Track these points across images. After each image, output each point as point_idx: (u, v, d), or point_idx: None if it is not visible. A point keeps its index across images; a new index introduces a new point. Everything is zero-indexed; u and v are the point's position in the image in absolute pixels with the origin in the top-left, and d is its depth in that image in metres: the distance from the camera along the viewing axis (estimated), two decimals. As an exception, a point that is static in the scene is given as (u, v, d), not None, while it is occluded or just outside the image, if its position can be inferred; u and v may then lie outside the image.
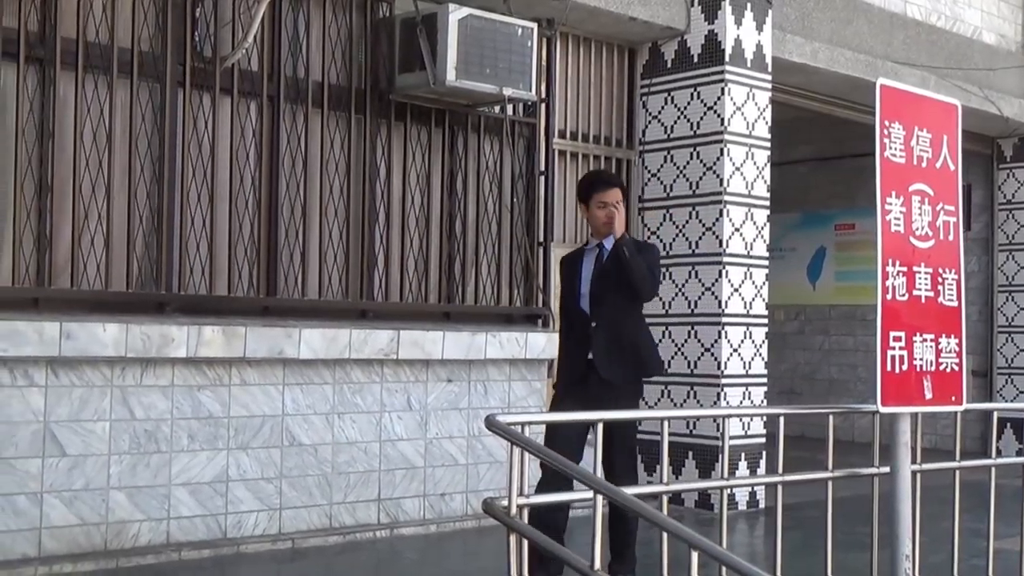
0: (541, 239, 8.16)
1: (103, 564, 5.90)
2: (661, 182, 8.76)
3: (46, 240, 6.00)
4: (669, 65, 8.75)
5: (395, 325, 7.18)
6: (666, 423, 4.59)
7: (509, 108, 7.89)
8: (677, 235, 8.64)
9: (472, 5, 7.15)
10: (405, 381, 7.31)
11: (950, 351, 5.18)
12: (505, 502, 3.68)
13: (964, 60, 11.27)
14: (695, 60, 8.59)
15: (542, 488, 5.35)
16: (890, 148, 4.98)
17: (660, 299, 8.69)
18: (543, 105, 8.13)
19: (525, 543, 3.67)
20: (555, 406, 5.99)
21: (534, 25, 7.44)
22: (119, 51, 6.23)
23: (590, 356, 5.69)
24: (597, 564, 3.59)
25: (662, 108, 8.80)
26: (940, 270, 5.17)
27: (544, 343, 7.85)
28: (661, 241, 8.72)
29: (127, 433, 6.15)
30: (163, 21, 6.44)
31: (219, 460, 6.50)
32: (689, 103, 8.62)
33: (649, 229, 8.82)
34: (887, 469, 5.13)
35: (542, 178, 8.19)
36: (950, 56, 11.09)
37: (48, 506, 5.87)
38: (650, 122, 8.88)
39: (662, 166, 8.77)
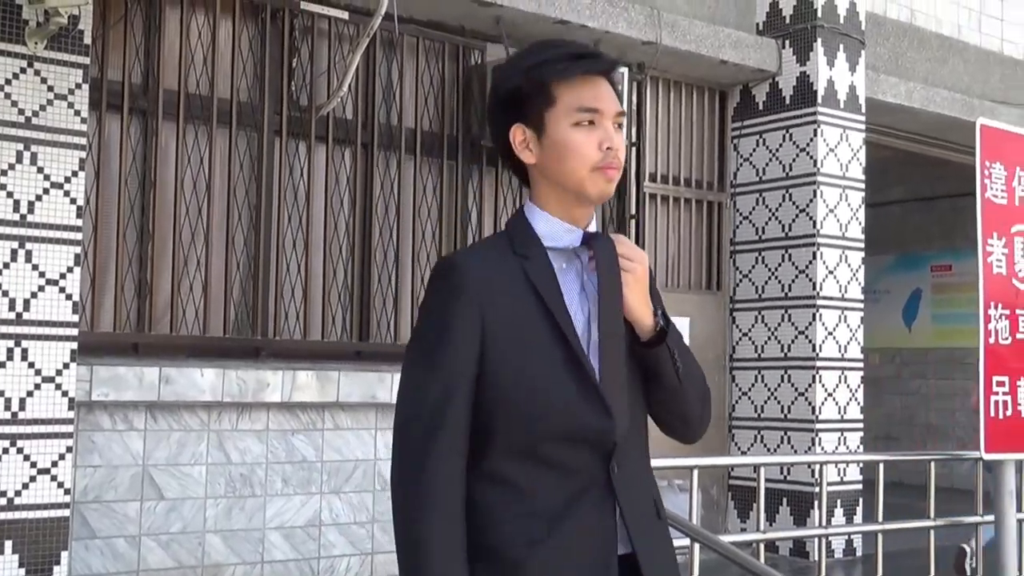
0: (632, 282, 8.04)
1: (199, 607, 5.90)
2: (753, 225, 8.61)
3: (147, 287, 6.07)
4: (760, 107, 8.63)
5: (486, 369, 7.10)
6: (762, 469, 4.46)
7: (600, 152, 7.81)
8: (770, 278, 8.47)
9: (563, 51, 7.11)
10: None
11: None
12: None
13: (1064, 98, 10.97)
14: (787, 102, 8.46)
15: None
16: (991, 189, 4.86)
17: (752, 341, 8.51)
18: (633, 148, 8.07)
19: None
20: None
21: (624, 69, 7.38)
22: (219, 101, 6.32)
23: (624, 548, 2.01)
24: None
25: (754, 150, 8.66)
26: None
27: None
28: (753, 284, 8.54)
29: (223, 477, 6.14)
30: (261, 72, 6.52)
31: (312, 504, 6.46)
32: (781, 145, 8.48)
33: (741, 272, 8.66)
34: (991, 518, 4.98)
35: (632, 221, 8.11)
36: (1049, 94, 10.80)
37: (146, 549, 5.87)
38: (741, 164, 8.75)
39: (754, 208, 8.62)
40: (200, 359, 6.08)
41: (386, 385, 6.60)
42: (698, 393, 2.13)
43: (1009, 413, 4.87)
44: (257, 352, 6.35)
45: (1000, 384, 4.85)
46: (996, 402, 4.83)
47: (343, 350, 6.75)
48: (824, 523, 5.24)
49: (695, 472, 4.25)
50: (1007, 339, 4.91)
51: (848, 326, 8.40)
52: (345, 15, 6.74)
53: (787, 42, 8.47)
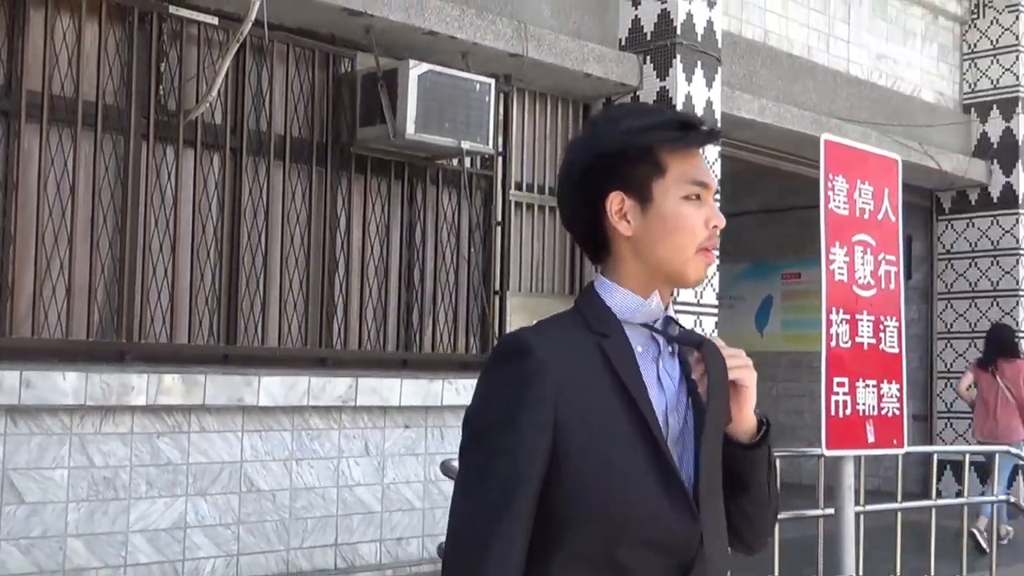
0: (497, 288, 8.17)
1: (59, 612, 5.79)
2: (614, 233, 8.79)
3: (7, 289, 5.93)
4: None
5: (353, 372, 7.13)
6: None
7: (467, 161, 7.91)
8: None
9: (431, 61, 7.19)
10: (363, 427, 7.26)
11: (892, 396, 5.24)
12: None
13: (904, 116, 11.48)
14: (652, 116, 8.65)
15: None
16: (834, 200, 5.05)
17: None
18: (500, 158, 8.17)
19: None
20: None
21: (492, 81, 7.49)
22: (84, 104, 6.21)
23: None
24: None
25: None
26: (882, 318, 5.23)
27: (500, 390, 7.83)
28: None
29: (85, 480, 6.04)
30: (128, 75, 6.43)
31: (177, 506, 6.40)
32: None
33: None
34: (832, 511, 5.17)
35: (498, 228, 8.22)
36: (891, 113, 11.29)
37: (5, 553, 5.73)
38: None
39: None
40: (63, 363, 5.96)
41: (253, 388, 6.59)
42: (776, 509, 1.93)
43: (848, 412, 5.05)
44: (122, 355, 6.26)
45: (840, 385, 5.03)
46: (836, 402, 5.00)
47: (210, 353, 6.70)
48: None
49: None
50: (847, 343, 5.09)
51: (703, 330, 8.63)
52: (215, 20, 6.67)
53: (648, 58, 8.67)
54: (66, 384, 5.84)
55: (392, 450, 7.40)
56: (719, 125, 8.79)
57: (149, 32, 6.50)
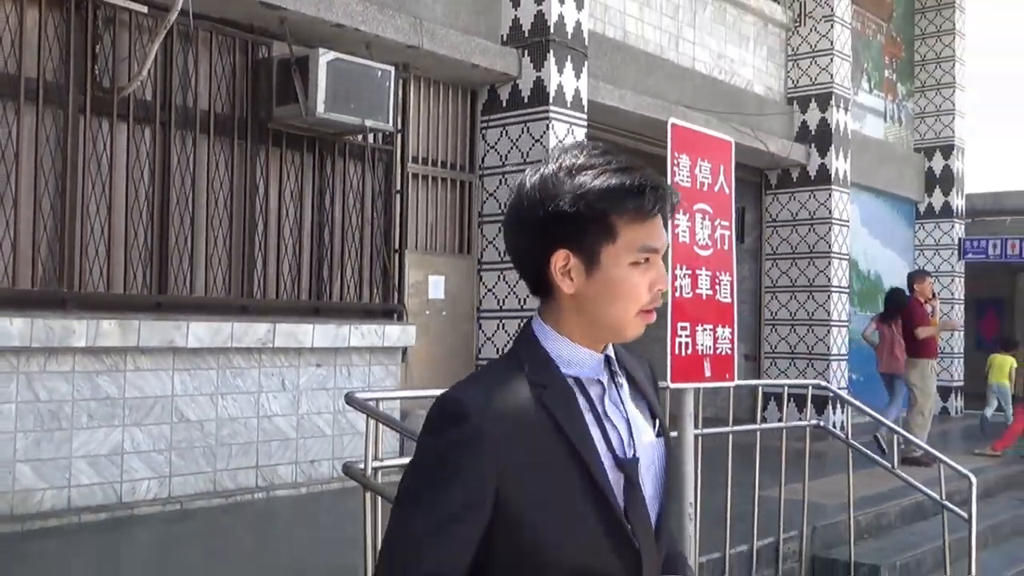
0: (396, 247, 8.15)
1: (11, 528, 5.63)
2: (497, 200, 8.83)
3: (-42, 244, 5.71)
4: (504, 105, 8.82)
5: (272, 319, 7.06)
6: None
7: (370, 137, 7.85)
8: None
9: (339, 50, 7.10)
10: (280, 366, 7.20)
11: (725, 338, 5.33)
12: (362, 465, 3.68)
13: (739, 106, 11.69)
14: (525, 101, 8.68)
15: None
16: (679, 175, 5.10)
17: (495, 295, 8.78)
18: (399, 135, 8.12)
19: (379, 499, 3.67)
20: None
21: (392, 68, 7.42)
22: (26, 80, 5.97)
23: None
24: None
25: (498, 140, 8.87)
26: (717, 273, 5.30)
27: (398, 334, 7.84)
28: (497, 249, 8.78)
29: (32, 413, 5.88)
30: (66, 55, 6.19)
31: (115, 435, 6.29)
32: (520, 136, 8.71)
33: (487, 239, 8.89)
34: (676, 433, 5.29)
35: (398, 196, 8.18)
36: (728, 103, 11.49)
37: (-42, 478, 5.58)
38: (488, 151, 8.94)
39: (498, 187, 8.83)
40: (10, 309, 5.77)
41: (182, 332, 6.48)
42: None
43: (689, 352, 5.13)
44: (64, 303, 6.08)
45: (683, 329, 5.10)
46: (680, 343, 5.06)
47: (143, 301, 6.55)
48: None
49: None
50: (689, 294, 5.16)
51: None
52: (144, 8, 6.46)
53: (526, 52, 8.67)
54: (13, 328, 5.67)
55: (306, 385, 7.36)
56: (586, 109, 8.88)
57: (85, 17, 6.27)
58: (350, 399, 3.76)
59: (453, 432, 1.46)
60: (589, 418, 1.53)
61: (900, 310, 10.44)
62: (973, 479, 6.43)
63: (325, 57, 6.90)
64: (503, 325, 8.73)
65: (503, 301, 8.75)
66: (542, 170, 1.57)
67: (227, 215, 7.05)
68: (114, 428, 6.28)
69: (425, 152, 8.63)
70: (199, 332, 6.57)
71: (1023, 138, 51.96)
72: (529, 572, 1.47)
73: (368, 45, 7.56)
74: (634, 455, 1.56)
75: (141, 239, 6.59)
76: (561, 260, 1.54)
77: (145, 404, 6.42)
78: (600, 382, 1.58)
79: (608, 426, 1.55)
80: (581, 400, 1.54)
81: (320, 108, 6.87)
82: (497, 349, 8.71)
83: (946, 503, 6.46)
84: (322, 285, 7.64)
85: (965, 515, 6.34)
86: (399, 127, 8.00)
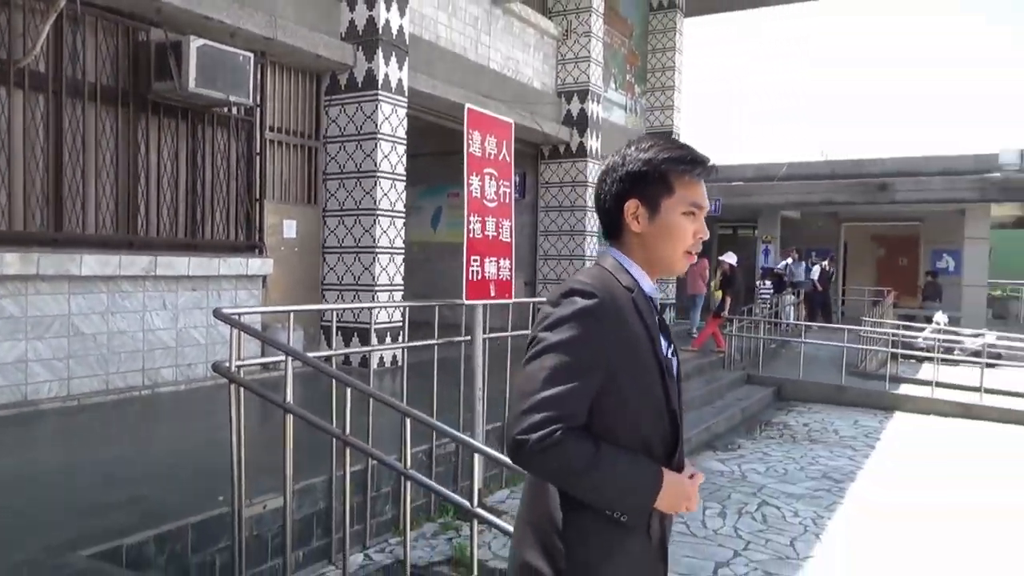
0: (257, 196, 7.87)
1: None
2: (337, 163, 8.67)
3: None
4: (343, 88, 8.61)
5: (153, 252, 6.71)
6: (333, 314, 4.69)
7: (234, 109, 7.49)
8: (348, 197, 8.62)
9: (208, 37, 6.70)
10: (162, 291, 6.87)
11: (505, 268, 5.52)
12: (228, 364, 3.65)
13: (522, 97, 11.87)
14: (359, 86, 8.51)
15: None
16: (472, 146, 5.20)
17: (336, 236, 8.66)
18: (258, 108, 7.78)
19: (242, 390, 3.64)
20: None
21: (251, 54, 7.08)
22: (-73, 49, 5.32)
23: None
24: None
25: (338, 115, 8.66)
26: (500, 220, 5.47)
27: (259, 265, 7.63)
28: (337, 200, 8.64)
29: (-56, 329, 5.38)
30: (-36, 30, 5.54)
31: (19, 347, 5.85)
32: (355, 112, 8.54)
33: (329, 192, 8.72)
34: (469, 338, 5.46)
35: (257, 157, 7.87)
36: (514, 94, 11.64)
37: None
38: (330, 124, 8.72)
39: (338, 152, 8.67)
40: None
41: (76, 262, 6.07)
42: None
43: (479, 277, 5.35)
44: (-31, 239, 5.55)
45: (475, 260, 5.23)
46: (472, 271, 5.18)
47: (42, 237, 6.06)
48: (376, 344, 5.40)
49: (291, 315, 4.07)
50: (479, 235, 5.35)
51: (396, 227, 8.76)
52: (36, -6, 5.87)
53: (360, 47, 8.46)
54: (-77, 259, 5.14)
55: (183, 305, 7.07)
56: (407, 94, 8.80)
57: (-19, -2, 5.62)
58: (218, 313, 3.69)
59: (584, 304, 1.50)
60: (649, 320, 1.59)
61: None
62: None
63: (195, 43, 6.50)
64: (342, 258, 8.65)
65: (342, 240, 8.65)
66: (625, 148, 1.69)
67: (113, 168, 6.58)
68: (18, 342, 5.83)
69: (280, 123, 8.31)
70: (91, 263, 6.17)
71: (718, 126, 55.31)
72: (599, 431, 1.50)
73: (232, 34, 7.17)
74: (669, 356, 1.63)
75: (39, 187, 6.06)
76: (632, 207, 1.64)
77: (45, 322, 5.99)
78: (653, 302, 1.64)
79: (664, 334, 1.63)
80: (647, 311, 1.60)
81: (191, 84, 6.49)
82: (338, 277, 8.63)
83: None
84: (196, 226, 7.30)
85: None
86: (258, 102, 7.67)
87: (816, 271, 18.04)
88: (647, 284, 1.65)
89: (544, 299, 1.65)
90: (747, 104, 59.02)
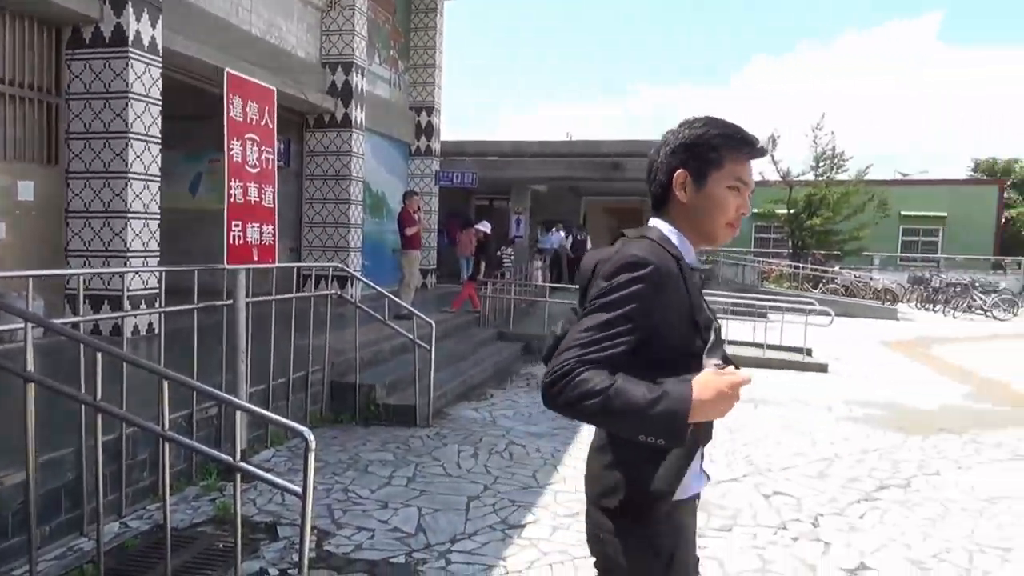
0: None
1: None
2: (83, 122, 7.93)
3: None
4: (88, 43, 7.83)
5: None
6: (80, 280, 4.41)
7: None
8: (95, 158, 7.92)
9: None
10: None
11: (268, 233, 5.44)
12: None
13: (287, 65, 11.53)
14: (107, 41, 7.79)
15: None
16: (234, 111, 5.02)
17: (81, 198, 7.95)
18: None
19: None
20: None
21: None
22: None
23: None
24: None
25: (83, 71, 7.88)
26: (263, 186, 5.35)
27: None
28: (83, 161, 7.88)
29: None
30: None
31: None
32: (103, 69, 7.83)
33: (73, 152, 7.95)
34: (231, 302, 5.35)
35: None
36: (280, 63, 11.28)
37: None
38: (73, 79, 7.91)
39: (83, 110, 7.92)
40: None
41: None
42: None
43: (241, 242, 5.20)
44: None
45: (236, 225, 5.08)
46: (234, 235, 4.97)
47: None
48: (126, 310, 5.01)
49: (30, 281, 3.74)
50: (241, 200, 5.20)
51: (150, 191, 8.10)
52: None
53: (107, 1, 7.77)
54: None
55: None
56: (161, 54, 8.23)
57: None
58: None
59: (641, 271, 1.59)
60: (692, 290, 1.68)
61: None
62: (433, 325, 7.41)
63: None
64: (89, 223, 7.96)
65: (89, 204, 7.96)
66: (679, 125, 1.76)
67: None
68: None
69: (9, 74, 7.40)
70: None
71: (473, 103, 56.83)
72: (642, 357, 1.59)
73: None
74: (712, 319, 1.72)
75: None
76: (681, 177, 1.72)
77: None
78: (696, 270, 1.72)
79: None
80: (691, 281, 1.68)
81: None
82: (84, 242, 7.94)
83: (418, 341, 7.28)
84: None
85: (428, 347, 7.32)
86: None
87: (568, 240, 20.02)
88: (690, 256, 1.73)
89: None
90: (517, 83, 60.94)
